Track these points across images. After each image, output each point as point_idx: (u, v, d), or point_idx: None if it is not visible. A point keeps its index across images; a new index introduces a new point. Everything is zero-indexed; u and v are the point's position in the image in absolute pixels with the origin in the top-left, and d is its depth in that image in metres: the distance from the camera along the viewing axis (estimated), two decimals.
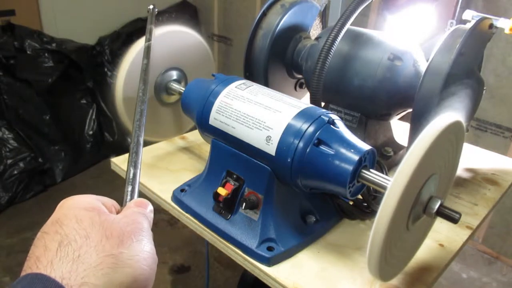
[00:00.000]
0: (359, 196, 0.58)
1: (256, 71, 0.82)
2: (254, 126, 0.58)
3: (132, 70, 0.72)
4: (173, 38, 0.77)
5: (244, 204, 0.58)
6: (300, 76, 0.88)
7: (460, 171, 0.82)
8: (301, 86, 0.92)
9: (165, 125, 0.83)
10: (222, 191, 0.60)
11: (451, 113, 0.44)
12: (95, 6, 2.41)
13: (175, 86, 0.77)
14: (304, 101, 0.62)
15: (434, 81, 0.62)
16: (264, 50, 0.79)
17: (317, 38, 0.81)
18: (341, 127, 0.56)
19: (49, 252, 0.30)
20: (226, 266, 1.67)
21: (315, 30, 0.90)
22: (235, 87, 0.64)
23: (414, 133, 0.67)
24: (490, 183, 0.79)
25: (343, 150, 0.53)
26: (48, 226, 0.33)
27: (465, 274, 1.73)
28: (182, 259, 1.72)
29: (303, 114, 0.56)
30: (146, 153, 0.82)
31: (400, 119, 0.82)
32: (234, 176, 0.61)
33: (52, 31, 2.25)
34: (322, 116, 0.55)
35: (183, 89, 0.73)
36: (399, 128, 0.86)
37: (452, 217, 0.46)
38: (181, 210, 0.66)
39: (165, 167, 0.78)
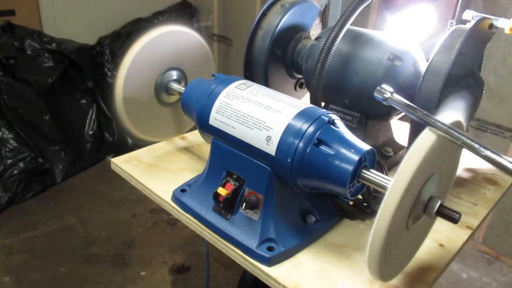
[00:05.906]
0: (359, 196, 0.58)
1: (256, 71, 0.82)
2: (254, 126, 0.58)
3: (132, 70, 0.72)
4: (173, 38, 0.77)
5: (244, 204, 0.58)
6: (300, 76, 0.88)
7: (460, 171, 0.82)
8: (301, 86, 0.92)
9: (165, 125, 0.83)
10: (222, 191, 0.60)
11: (451, 113, 0.44)
12: (95, 6, 2.41)
13: (175, 86, 0.77)
14: (304, 101, 0.62)
15: (434, 81, 0.62)
16: (264, 50, 0.79)
17: (317, 38, 0.81)
18: (341, 127, 0.56)
19: None
20: (226, 266, 1.67)
21: (315, 30, 0.90)
22: (235, 87, 0.64)
23: (414, 133, 0.67)
24: (490, 183, 0.79)
25: (343, 150, 0.53)
26: None
27: (465, 274, 1.73)
28: (182, 259, 1.72)
29: (303, 114, 0.56)
30: (146, 153, 0.82)
31: (400, 119, 0.82)
32: (234, 176, 0.61)
33: (52, 31, 2.25)
34: (322, 116, 0.55)
35: (183, 89, 0.73)
36: (399, 128, 0.86)
37: (452, 217, 0.46)
38: (181, 210, 0.66)
39: (165, 167, 0.78)
